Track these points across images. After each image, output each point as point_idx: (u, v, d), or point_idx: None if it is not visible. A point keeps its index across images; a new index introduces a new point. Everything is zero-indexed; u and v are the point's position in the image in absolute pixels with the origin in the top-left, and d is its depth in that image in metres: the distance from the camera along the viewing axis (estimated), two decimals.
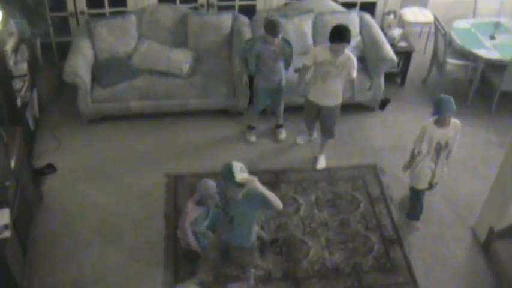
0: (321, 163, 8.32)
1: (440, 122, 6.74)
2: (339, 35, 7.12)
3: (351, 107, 9.07)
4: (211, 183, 6.65)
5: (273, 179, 8.06)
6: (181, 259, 6.88)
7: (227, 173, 5.32)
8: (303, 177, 8.16)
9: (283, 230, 7.38)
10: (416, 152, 7.11)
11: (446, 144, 6.86)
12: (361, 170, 8.31)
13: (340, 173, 8.27)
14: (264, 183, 7.76)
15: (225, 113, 9.10)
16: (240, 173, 5.33)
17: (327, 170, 8.29)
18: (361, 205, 7.78)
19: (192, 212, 6.69)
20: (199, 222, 6.74)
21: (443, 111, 6.63)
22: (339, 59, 7.34)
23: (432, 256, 7.12)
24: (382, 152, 8.59)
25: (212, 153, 8.45)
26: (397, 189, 7.96)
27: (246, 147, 8.61)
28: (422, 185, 7.12)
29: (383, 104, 9.35)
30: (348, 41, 7.19)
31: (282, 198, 7.53)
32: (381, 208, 7.73)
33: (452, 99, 6.61)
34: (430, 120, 6.88)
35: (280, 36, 7.64)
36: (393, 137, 8.88)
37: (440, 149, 6.87)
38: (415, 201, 7.37)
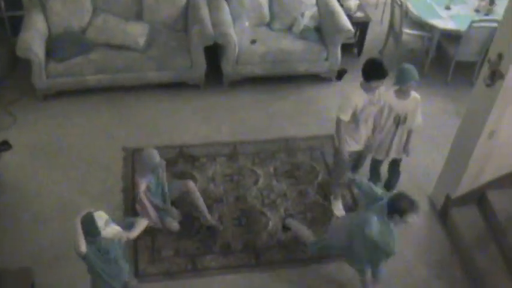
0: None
1: (403, 91, 6.66)
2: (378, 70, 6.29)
3: (307, 78, 9.10)
4: (154, 152, 6.57)
5: (231, 151, 8.06)
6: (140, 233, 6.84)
7: (91, 227, 5.05)
8: (261, 148, 8.17)
9: (242, 201, 7.39)
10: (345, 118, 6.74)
11: (405, 118, 6.78)
12: (319, 140, 8.34)
13: (298, 143, 8.28)
14: (222, 156, 7.88)
15: (182, 85, 9.03)
16: (105, 227, 5.12)
17: (284, 140, 8.30)
18: (320, 175, 7.82)
19: (142, 184, 6.64)
20: (153, 191, 6.71)
21: (406, 80, 6.53)
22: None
23: None
24: None
25: (170, 126, 8.41)
26: None
27: (202, 120, 8.58)
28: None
29: (340, 74, 9.38)
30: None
31: (241, 170, 7.60)
32: None
33: (414, 68, 6.55)
34: (390, 90, 6.79)
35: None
36: None
37: (399, 122, 6.81)
38: (372, 170, 7.45)
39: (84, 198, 7.27)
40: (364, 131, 6.72)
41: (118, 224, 5.33)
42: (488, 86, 6.11)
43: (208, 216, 6.97)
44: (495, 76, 5.99)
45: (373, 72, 6.23)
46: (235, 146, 8.16)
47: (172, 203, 6.90)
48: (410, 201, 5.46)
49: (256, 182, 7.65)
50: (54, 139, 8.09)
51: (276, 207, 7.36)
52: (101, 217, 5.08)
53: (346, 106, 6.40)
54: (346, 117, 6.41)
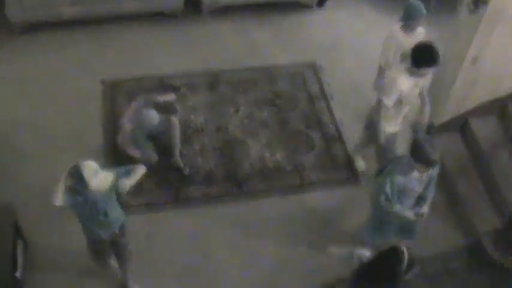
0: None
1: (410, 27, 6.36)
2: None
3: (288, 5, 8.92)
4: (153, 114, 6.41)
5: (212, 81, 7.94)
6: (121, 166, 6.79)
7: (78, 180, 4.78)
8: (242, 77, 8.05)
9: (223, 131, 7.34)
10: (383, 65, 6.62)
11: None
12: (301, 68, 8.23)
13: (280, 71, 8.17)
14: (202, 85, 7.77)
15: (160, 15, 8.83)
16: (94, 177, 4.79)
17: (265, 68, 8.19)
18: (301, 103, 7.76)
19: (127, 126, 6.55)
20: (140, 143, 6.65)
21: (414, 16, 6.26)
22: None
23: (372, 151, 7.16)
24: (321, 50, 8.50)
25: (149, 57, 8.24)
26: (337, 87, 7.93)
27: (181, 49, 8.42)
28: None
29: (321, 1, 9.20)
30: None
31: (221, 99, 7.52)
32: (321, 106, 7.72)
33: (421, 4, 6.26)
34: (396, 26, 6.47)
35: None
36: (332, 34, 8.78)
37: (404, 60, 6.34)
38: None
39: (65, 132, 7.19)
40: (404, 113, 6.34)
41: (114, 171, 5.12)
42: (471, 11, 6.01)
43: (178, 159, 6.91)
44: (478, 2, 5.88)
45: (424, 58, 5.72)
46: (216, 75, 8.03)
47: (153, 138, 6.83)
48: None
49: (237, 111, 7.58)
50: (32, 74, 7.90)
51: (257, 136, 7.31)
52: (89, 168, 4.79)
53: (391, 91, 5.91)
54: (390, 102, 5.94)
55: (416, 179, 5.33)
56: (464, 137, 7.12)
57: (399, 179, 5.29)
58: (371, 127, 6.48)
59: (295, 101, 7.78)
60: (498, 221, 6.48)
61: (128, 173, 5.19)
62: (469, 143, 7.03)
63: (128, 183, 5.17)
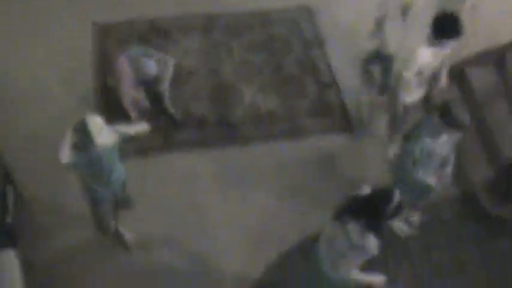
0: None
1: None
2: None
3: None
4: (151, 65, 6.30)
5: (205, 24, 7.78)
6: (113, 109, 6.67)
7: (84, 136, 4.65)
8: (236, 21, 7.88)
9: (216, 75, 7.24)
10: (381, 14, 6.32)
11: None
12: (296, 12, 8.06)
13: (275, 15, 8.00)
14: (195, 29, 7.62)
15: None
16: (100, 133, 4.66)
17: (260, 12, 8.00)
18: (296, 48, 7.63)
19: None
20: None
21: None
22: None
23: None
24: None
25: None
26: (333, 32, 7.78)
27: None
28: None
29: None
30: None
31: (215, 44, 7.39)
32: (316, 51, 7.60)
33: None
34: None
35: None
36: None
37: (407, 10, 6.15)
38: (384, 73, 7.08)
39: (55, 76, 7.07)
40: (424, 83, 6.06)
41: (116, 127, 4.98)
42: None
43: (169, 104, 6.82)
44: None
45: (446, 30, 5.45)
46: (209, 18, 7.85)
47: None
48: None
49: (230, 55, 7.46)
50: (18, 18, 7.70)
51: (251, 81, 7.21)
52: (95, 124, 4.67)
53: (412, 63, 5.66)
54: (410, 74, 5.71)
55: (444, 142, 5.19)
56: (460, 87, 7.03)
57: (428, 143, 5.11)
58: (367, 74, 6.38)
59: (289, 46, 7.65)
60: (492, 172, 6.47)
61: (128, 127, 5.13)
62: (465, 92, 6.96)
63: (128, 131, 5.07)
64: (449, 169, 5.43)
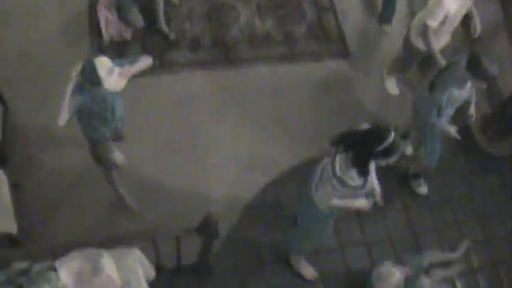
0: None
1: None
2: None
3: None
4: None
5: None
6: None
7: (91, 76, 4.44)
8: None
9: None
10: None
11: None
12: None
13: None
14: None
15: None
16: (108, 75, 4.46)
17: None
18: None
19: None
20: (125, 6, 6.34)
21: None
22: None
23: None
24: None
25: None
26: None
27: None
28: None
29: None
30: None
31: None
32: None
33: None
34: None
35: None
36: None
37: None
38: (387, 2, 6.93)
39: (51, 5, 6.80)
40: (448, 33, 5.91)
41: (118, 62, 4.73)
42: None
43: (163, 23, 6.65)
44: None
45: None
46: None
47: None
48: None
49: None
50: None
51: (247, 1, 7.04)
52: (104, 65, 4.45)
53: (437, 11, 5.49)
54: (434, 23, 5.52)
55: (468, 90, 5.13)
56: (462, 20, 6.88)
57: (455, 92, 5.06)
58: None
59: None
60: (489, 108, 6.46)
61: (132, 63, 4.85)
62: (466, 26, 6.81)
63: (131, 70, 4.81)
64: (472, 110, 5.42)
